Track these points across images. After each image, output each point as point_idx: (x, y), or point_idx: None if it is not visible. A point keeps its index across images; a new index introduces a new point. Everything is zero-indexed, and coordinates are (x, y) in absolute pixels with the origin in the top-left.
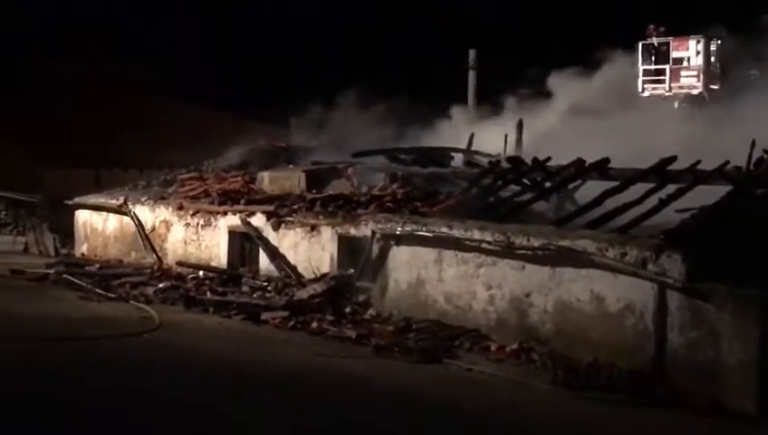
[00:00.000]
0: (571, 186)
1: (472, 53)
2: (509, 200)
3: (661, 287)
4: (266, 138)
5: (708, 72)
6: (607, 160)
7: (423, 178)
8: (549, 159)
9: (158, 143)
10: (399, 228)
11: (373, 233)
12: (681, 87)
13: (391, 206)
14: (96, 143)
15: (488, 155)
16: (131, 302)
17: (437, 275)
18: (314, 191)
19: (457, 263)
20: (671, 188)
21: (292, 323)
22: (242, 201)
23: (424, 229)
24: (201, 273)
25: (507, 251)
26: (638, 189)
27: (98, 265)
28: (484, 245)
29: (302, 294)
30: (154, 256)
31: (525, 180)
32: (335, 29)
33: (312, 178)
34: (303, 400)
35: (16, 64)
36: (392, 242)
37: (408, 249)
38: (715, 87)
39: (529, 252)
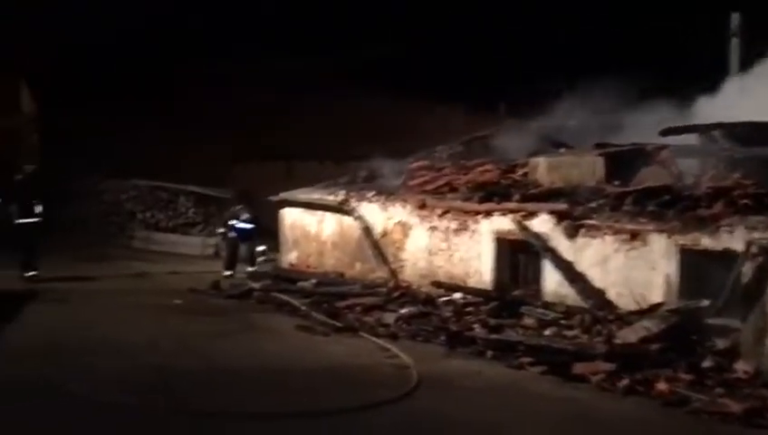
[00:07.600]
0: None
1: (735, 18)
2: None
3: None
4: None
5: None
6: None
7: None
8: None
9: (350, 135)
10: None
11: (748, 245)
12: None
13: (749, 203)
14: (282, 136)
15: None
16: (365, 335)
17: None
18: (617, 183)
19: None
20: None
21: (625, 382)
22: (514, 198)
23: None
24: (458, 295)
25: None
26: None
27: (314, 280)
28: None
29: (629, 335)
30: (387, 269)
31: None
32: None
33: (613, 165)
34: None
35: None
36: None
37: None
38: None
39: None
